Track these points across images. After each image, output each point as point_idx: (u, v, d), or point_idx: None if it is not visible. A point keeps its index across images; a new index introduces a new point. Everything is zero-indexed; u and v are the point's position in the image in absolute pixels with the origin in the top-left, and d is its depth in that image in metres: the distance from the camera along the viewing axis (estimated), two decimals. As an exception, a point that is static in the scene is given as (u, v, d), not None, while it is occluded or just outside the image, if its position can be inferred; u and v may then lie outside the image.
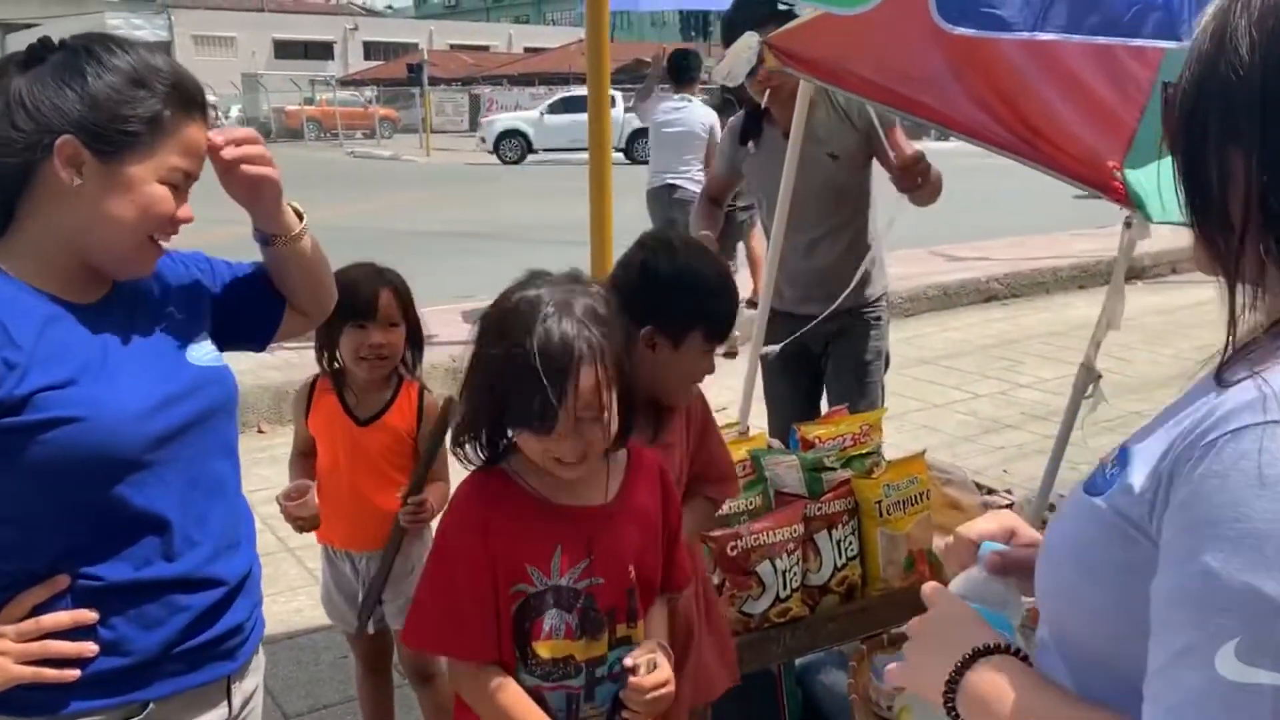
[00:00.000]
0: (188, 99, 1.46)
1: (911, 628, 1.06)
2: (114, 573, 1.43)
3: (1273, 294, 0.87)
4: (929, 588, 1.09)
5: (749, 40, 2.92)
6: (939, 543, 2.56)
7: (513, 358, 1.50)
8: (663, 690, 1.62)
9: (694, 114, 7.38)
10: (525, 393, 1.49)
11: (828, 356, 3.53)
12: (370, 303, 2.40)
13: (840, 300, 3.32)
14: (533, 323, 1.51)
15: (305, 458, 2.63)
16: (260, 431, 5.71)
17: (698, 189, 7.21)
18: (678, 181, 7.36)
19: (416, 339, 2.54)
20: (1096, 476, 0.95)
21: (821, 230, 3.38)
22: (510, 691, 1.60)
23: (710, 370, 1.93)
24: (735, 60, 3.00)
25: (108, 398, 1.40)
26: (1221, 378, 0.86)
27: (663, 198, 7.44)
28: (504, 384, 1.53)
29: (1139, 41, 1.69)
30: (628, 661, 1.63)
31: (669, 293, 1.86)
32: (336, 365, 2.51)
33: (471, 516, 1.61)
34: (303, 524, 2.46)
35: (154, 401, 1.45)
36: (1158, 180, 2.02)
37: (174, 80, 1.45)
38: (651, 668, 1.62)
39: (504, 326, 1.55)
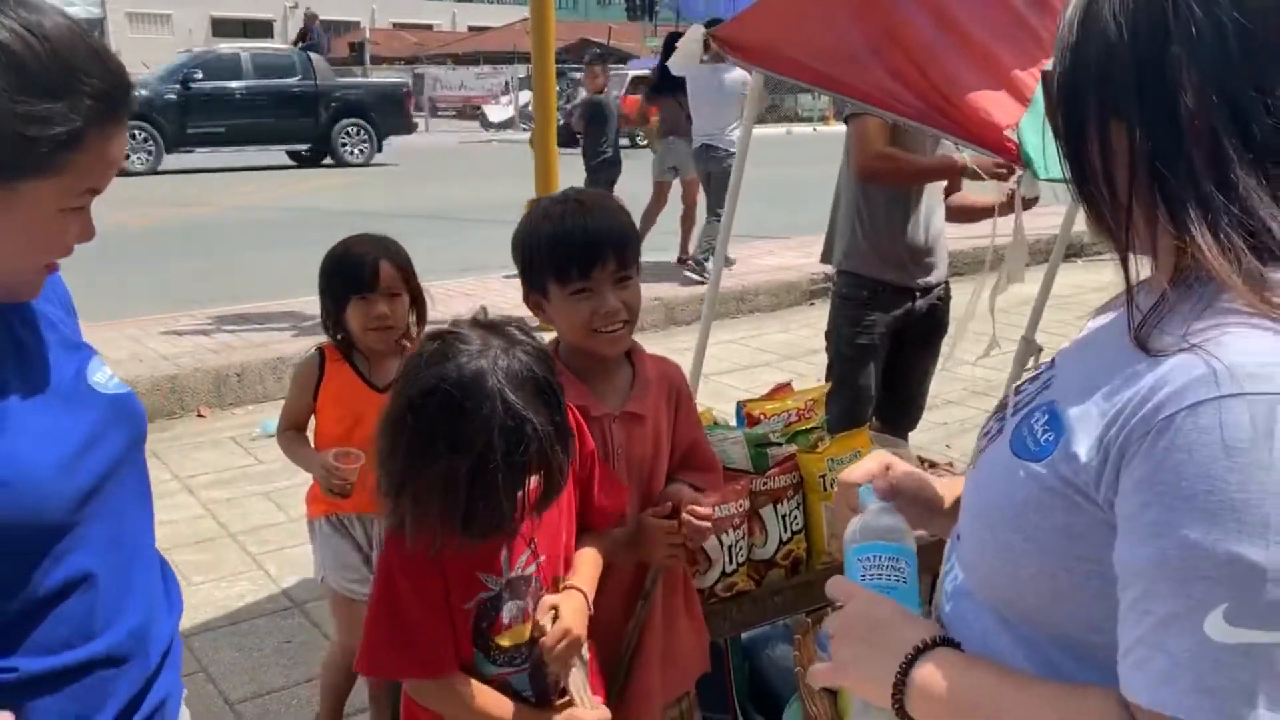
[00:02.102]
0: (115, 105, 1.12)
1: (832, 625, 1.05)
2: (32, 662, 1.17)
3: (1165, 254, 0.92)
4: (836, 583, 1.09)
5: (695, 33, 3.00)
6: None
7: (456, 470, 1.43)
8: (568, 638, 1.62)
9: (732, 76, 7.80)
10: (480, 501, 1.46)
11: (909, 331, 3.55)
12: (372, 274, 2.44)
13: (942, 270, 3.50)
14: (487, 437, 1.41)
15: (302, 433, 2.63)
16: (200, 415, 5.62)
17: (731, 148, 7.96)
18: (712, 142, 8.05)
19: (420, 307, 2.58)
20: (1024, 438, 0.97)
21: (935, 199, 3.44)
22: (481, 693, 1.60)
23: (603, 309, 1.81)
24: (684, 52, 3.10)
25: (20, 448, 1.13)
26: (1147, 346, 0.89)
27: (701, 156, 8.14)
28: (453, 492, 1.45)
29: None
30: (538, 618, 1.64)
31: (517, 257, 1.90)
32: (340, 337, 2.55)
33: (422, 549, 1.55)
34: (346, 487, 2.45)
35: (75, 446, 1.18)
36: (1042, 140, 2.15)
37: (104, 85, 1.10)
38: (552, 620, 1.62)
39: (450, 429, 1.43)
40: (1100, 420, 0.89)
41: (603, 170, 9.01)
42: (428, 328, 1.57)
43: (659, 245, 8.41)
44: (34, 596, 1.16)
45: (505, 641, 1.62)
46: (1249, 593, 0.78)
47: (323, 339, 2.61)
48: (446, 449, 1.43)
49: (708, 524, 1.89)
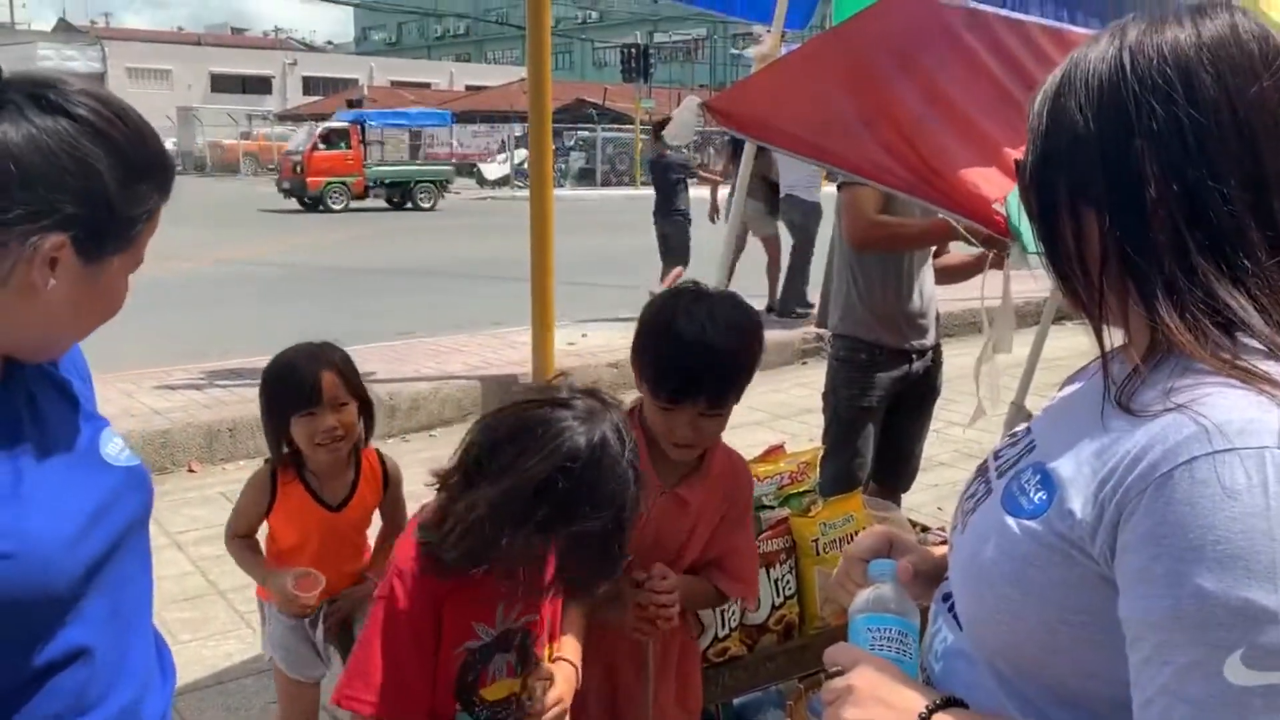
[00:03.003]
0: (173, 178, 1.23)
1: (835, 691, 1.04)
2: None
3: (1138, 329, 0.98)
4: (839, 649, 1.09)
5: (691, 104, 3.07)
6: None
7: (588, 532, 1.49)
8: (560, 708, 1.66)
9: None
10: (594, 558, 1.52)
11: (906, 393, 3.56)
12: (314, 389, 2.33)
13: (934, 332, 3.52)
14: (621, 498, 1.49)
15: (253, 539, 2.54)
16: (191, 471, 5.59)
17: (808, 196, 9.20)
18: (795, 193, 9.11)
19: (368, 412, 2.47)
20: (1016, 497, 1.01)
21: (925, 261, 3.48)
22: None
23: (679, 429, 1.83)
24: (680, 122, 3.15)
25: (30, 520, 1.10)
26: (1130, 408, 0.93)
27: (785, 206, 9.20)
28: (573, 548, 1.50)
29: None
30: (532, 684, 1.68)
31: (637, 325, 1.90)
32: (288, 450, 2.44)
33: (427, 592, 1.58)
34: (306, 612, 2.41)
35: (83, 520, 1.16)
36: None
37: (166, 163, 1.20)
38: (545, 690, 1.66)
39: (593, 490, 1.48)
40: (1093, 478, 0.93)
41: (660, 221, 9.91)
42: (530, 388, 1.60)
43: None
44: (29, 670, 1.13)
45: (490, 695, 1.64)
46: (1263, 635, 0.81)
47: None
48: (590, 508, 1.47)
49: (668, 596, 1.84)
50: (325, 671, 2.59)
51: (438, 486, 1.60)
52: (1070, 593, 0.94)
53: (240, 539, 2.51)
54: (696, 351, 1.77)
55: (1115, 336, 1.01)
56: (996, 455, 1.13)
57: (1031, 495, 0.99)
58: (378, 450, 2.61)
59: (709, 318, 1.80)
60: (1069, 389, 1.13)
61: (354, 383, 2.41)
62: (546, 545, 1.49)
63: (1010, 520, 0.99)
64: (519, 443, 1.50)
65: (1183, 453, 0.86)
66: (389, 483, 2.57)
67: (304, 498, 2.46)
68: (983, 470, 1.14)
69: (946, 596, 1.13)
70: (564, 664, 1.73)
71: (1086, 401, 1.01)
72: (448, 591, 1.58)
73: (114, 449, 1.27)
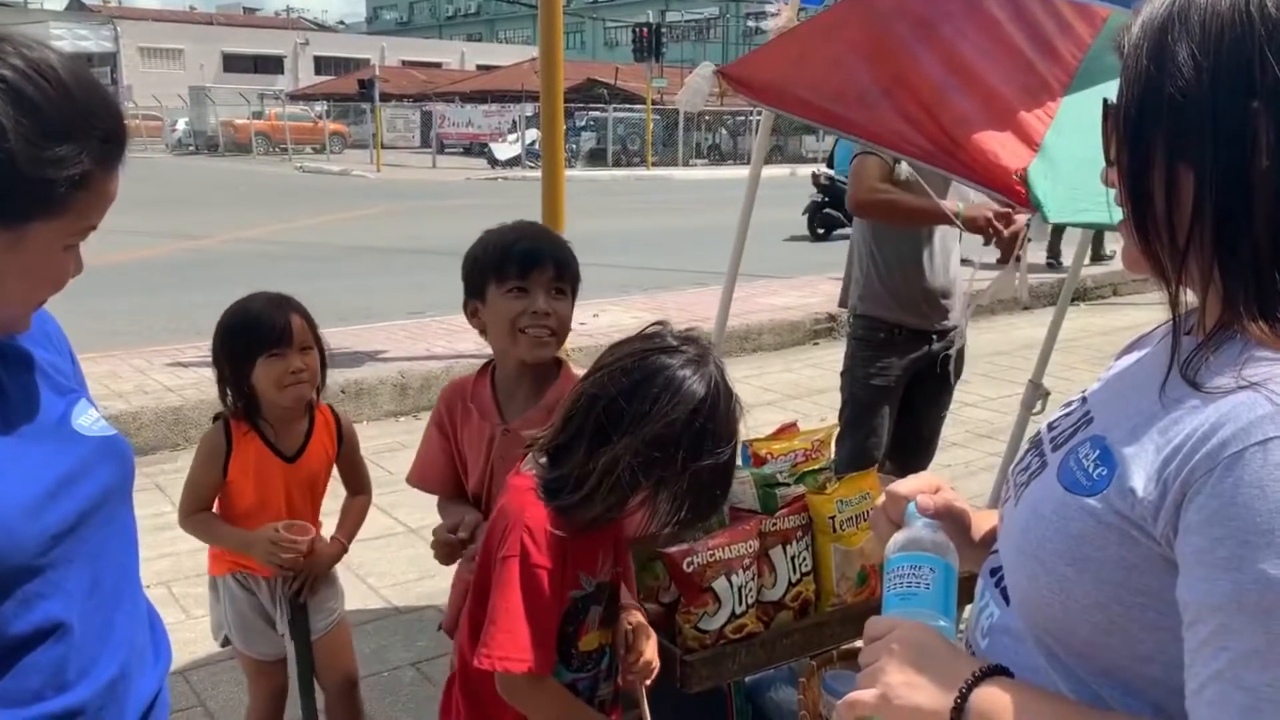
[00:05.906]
0: (118, 145, 1.13)
1: (875, 654, 1.02)
2: (1, 715, 1.11)
3: (1214, 300, 0.91)
4: (878, 621, 1.06)
5: (704, 70, 3.04)
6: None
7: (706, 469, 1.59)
8: (653, 653, 1.76)
9: None
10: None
11: (925, 373, 3.54)
12: (284, 330, 2.37)
13: (958, 312, 3.49)
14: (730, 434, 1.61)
15: (213, 512, 2.48)
16: (204, 448, 5.60)
17: None
18: None
19: (324, 363, 2.51)
20: (1074, 472, 0.97)
21: (950, 241, 3.45)
22: (568, 696, 1.72)
23: (533, 308, 1.99)
24: (692, 89, 3.12)
25: None
26: (1199, 383, 0.88)
27: None
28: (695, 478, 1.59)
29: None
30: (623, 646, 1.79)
31: (464, 267, 2.09)
32: (241, 405, 2.43)
33: (560, 546, 1.62)
34: (298, 560, 2.37)
35: (45, 487, 1.14)
36: (1058, 183, 2.17)
37: (110, 125, 1.12)
38: (636, 642, 1.77)
39: (719, 426, 1.59)
40: (1157, 455, 0.88)
41: None
42: (639, 336, 1.69)
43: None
44: (1, 643, 1.10)
45: (585, 646, 1.71)
46: None
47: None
48: (715, 444, 1.58)
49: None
50: (285, 649, 2.57)
51: (543, 453, 1.65)
52: (1129, 573, 0.90)
53: (199, 515, 2.45)
54: (528, 233, 2.09)
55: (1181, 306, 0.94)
56: (1050, 426, 1.09)
57: (1090, 471, 0.95)
58: (330, 405, 2.63)
59: (526, 223, 2.16)
60: (1128, 358, 1.07)
61: (316, 331, 2.48)
62: (683, 485, 1.59)
63: (1067, 496, 0.96)
64: (647, 393, 1.56)
65: (1256, 432, 0.82)
66: (343, 438, 2.58)
67: (261, 449, 2.45)
68: (1036, 442, 1.10)
69: (994, 571, 1.09)
70: (636, 610, 1.82)
71: (1149, 373, 0.96)
72: (571, 544, 1.64)
73: (87, 420, 1.24)
